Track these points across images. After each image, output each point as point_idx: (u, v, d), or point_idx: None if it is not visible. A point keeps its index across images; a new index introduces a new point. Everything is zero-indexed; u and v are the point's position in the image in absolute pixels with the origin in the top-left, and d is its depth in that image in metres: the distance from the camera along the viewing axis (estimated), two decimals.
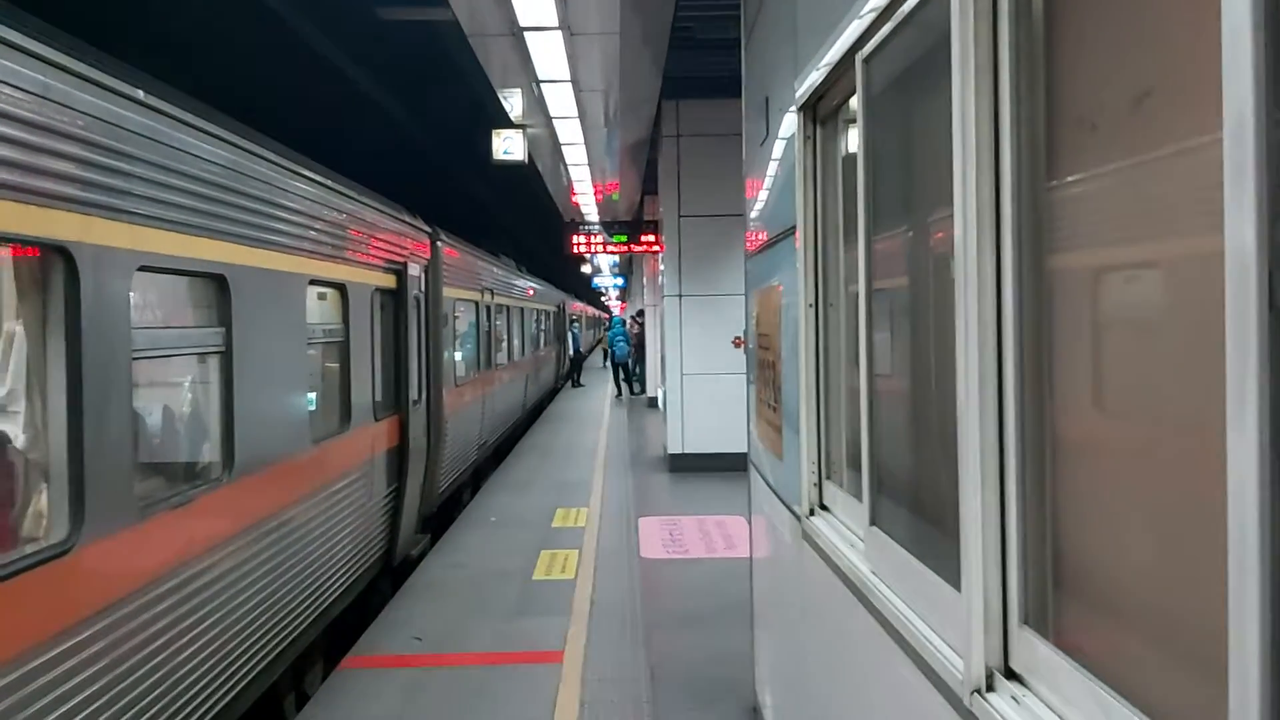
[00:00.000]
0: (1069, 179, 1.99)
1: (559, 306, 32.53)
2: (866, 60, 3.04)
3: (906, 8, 2.61)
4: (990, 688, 2.12)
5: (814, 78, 3.69)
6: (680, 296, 15.32)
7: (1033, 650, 2.02)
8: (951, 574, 2.34)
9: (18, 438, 4.01)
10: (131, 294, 4.35)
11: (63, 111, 3.90)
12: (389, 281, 9.20)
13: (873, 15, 2.83)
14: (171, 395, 5.65)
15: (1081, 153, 1.94)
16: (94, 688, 4.01)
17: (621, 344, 29.07)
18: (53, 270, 3.88)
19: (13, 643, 3.54)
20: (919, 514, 2.82)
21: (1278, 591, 1.19)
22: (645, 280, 28.20)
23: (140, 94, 4.55)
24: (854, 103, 3.37)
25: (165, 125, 4.76)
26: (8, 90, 3.58)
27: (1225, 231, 1.23)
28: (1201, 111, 1.36)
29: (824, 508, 3.98)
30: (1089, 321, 1.95)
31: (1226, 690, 1.26)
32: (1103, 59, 1.82)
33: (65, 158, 3.91)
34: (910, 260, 3.01)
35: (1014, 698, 2.02)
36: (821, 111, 3.91)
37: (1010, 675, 2.10)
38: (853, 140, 3.61)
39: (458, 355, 13.03)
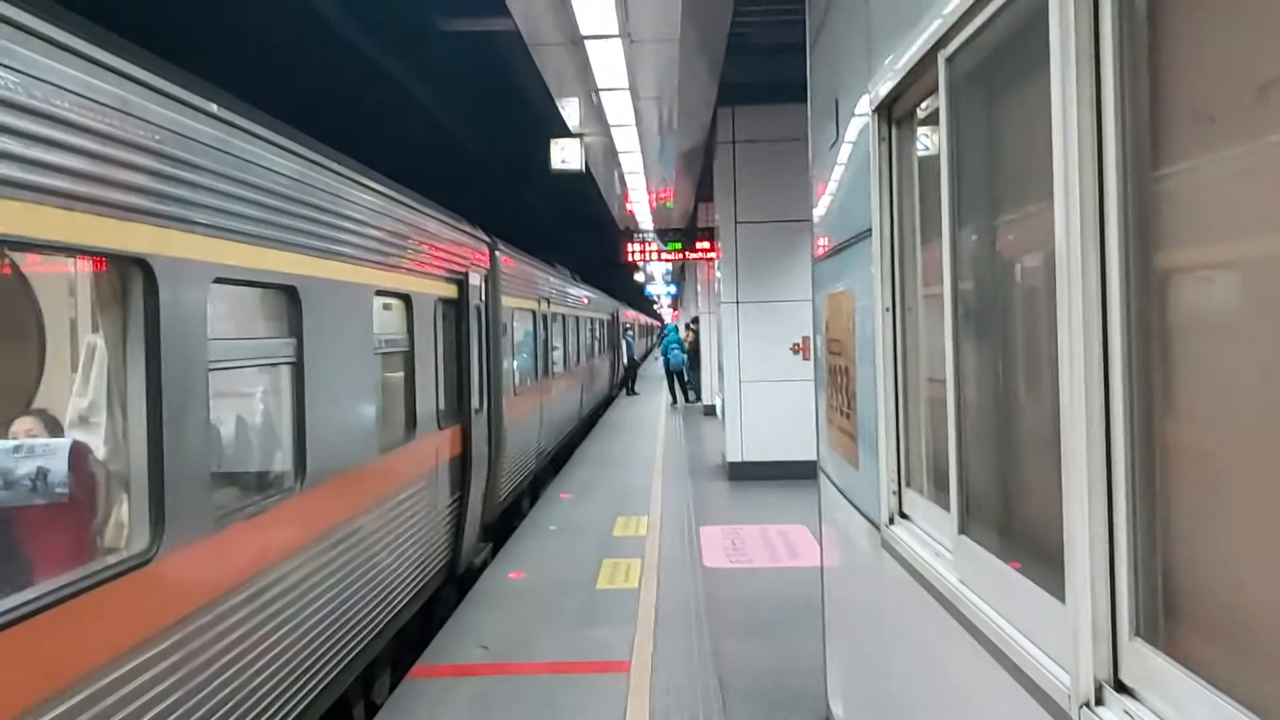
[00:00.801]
0: (1180, 171, 1.91)
1: (613, 315, 32.58)
2: (950, 59, 2.97)
3: (995, 4, 2.55)
4: (1100, 701, 2.05)
5: (891, 78, 3.63)
6: (738, 303, 15.24)
7: (1144, 662, 1.95)
8: (1053, 584, 2.27)
9: (99, 449, 4.06)
10: (208, 305, 4.39)
11: (141, 125, 3.95)
12: (450, 291, 9.25)
13: (958, 13, 2.77)
14: (245, 406, 5.71)
15: (1195, 145, 1.87)
16: (173, 698, 4.04)
17: (676, 351, 29.02)
18: (132, 282, 3.92)
19: (98, 651, 3.57)
20: (1014, 523, 2.75)
21: None
22: (700, 287, 28.14)
23: (214, 107, 4.60)
24: (933, 102, 3.31)
25: (238, 138, 4.81)
26: (90, 105, 3.63)
27: None
28: None
29: (904, 516, 3.91)
30: (1200, 322, 1.88)
31: None
32: (1219, 46, 1.75)
33: (144, 171, 3.96)
34: (998, 262, 2.94)
35: (1126, 711, 1.96)
36: (897, 113, 3.85)
37: (1120, 688, 2.03)
38: (931, 140, 3.54)
39: (516, 364, 13.07)
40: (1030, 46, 2.28)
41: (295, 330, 5.44)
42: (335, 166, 6.22)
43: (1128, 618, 2.01)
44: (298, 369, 5.47)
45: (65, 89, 3.50)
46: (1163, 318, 1.94)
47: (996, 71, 2.77)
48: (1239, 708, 1.62)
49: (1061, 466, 2.16)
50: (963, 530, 3.02)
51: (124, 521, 3.97)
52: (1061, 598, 2.19)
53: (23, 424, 4.04)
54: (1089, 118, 2.05)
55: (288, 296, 5.40)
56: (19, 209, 3.23)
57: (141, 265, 3.90)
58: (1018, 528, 2.70)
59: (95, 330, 4.07)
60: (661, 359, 30.51)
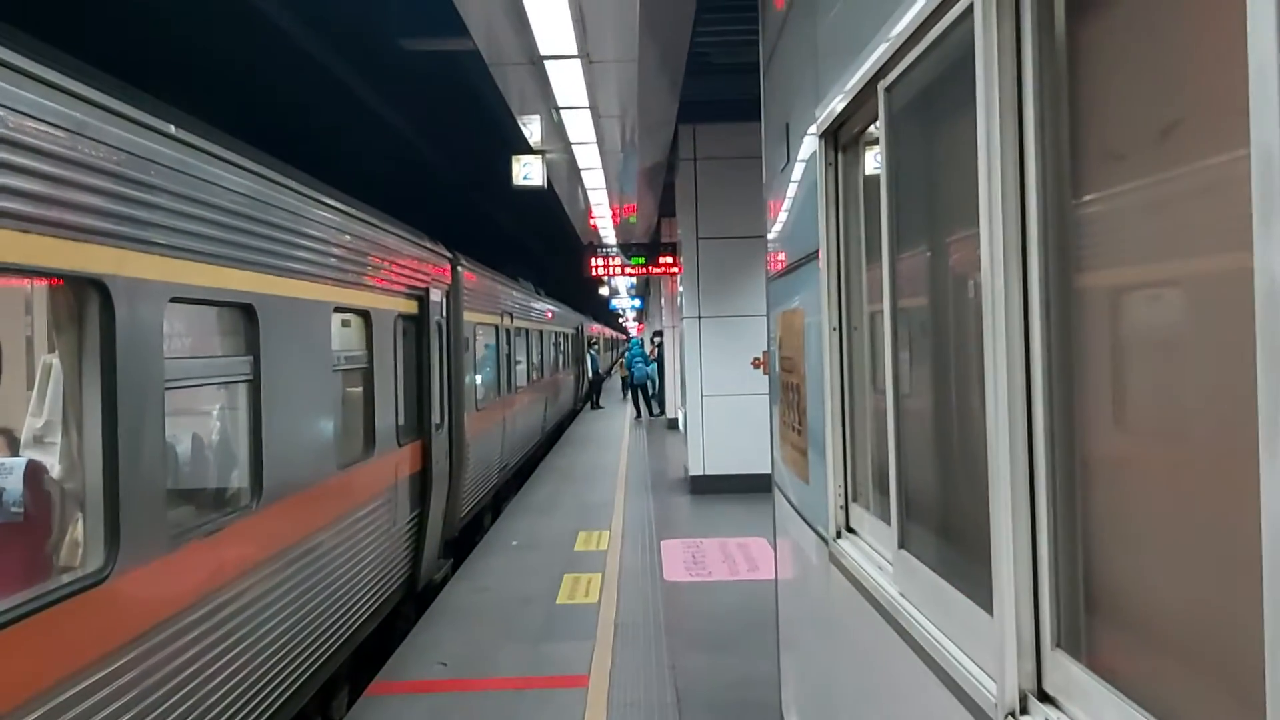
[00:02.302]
0: (1095, 200, 2.02)
1: (577, 329, 32.63)
2: (889, 89, 3.08)
3: (930, 38, 2.65)
4: (1024, 710, 2.13)
5: (835, 105, 3.73)
6: (699, 318, 15.36)
7: (1066, 672, 2.03)
8: (983, 597, 2.35)
9: (54, 468, 4.07)
10: (164, 325, 4.42)
11: (97, 147, 3.98)
12: (411, 307, 9.27)
13: (895, 46, 2.87)
14: (202, 424, 5.72)
15: (1108, 178, 1.97)
16: (129, 715, 4.05)
17: (640, 365, 29.11)
18: (88, 303, 3.94)
19: (52, 669, 3.58)
20: (948, 537, 2.84)
21: None
22: (664, 302, 28.27)
23: (171, 128, 4.63)
24: (875, 129, 3.41)
25: (194, 158, 4.84)
26: (46, 129, 3.66)
27: (1255, 260, 1.26)
28: (1229, 141, 1.39)
29: (851, 530, 4.00)
30: (1118, 341, 1.97)
31: (1264, 711, 1.28)
32: (1129, 89, 1.86)
33: (100, 193, 3.98)
34: (934, 283, 3.04)
35: None
36: (843, 138, 3.95)
37: (1044, 698, 2.11)
38: (874, 165, 3.64)
39: (478, 379, 13.09)
40: (961, 81, 2.38)
41: (253, 348, 5.46)
42: (293, 185, 6.25)
43: (1050, 629, 2.10)
44: (255, 386, 5.49)
45: (19, 111, 3.53)
46: (1080, 337, 2.04)
47: (931, 103, 2.87)
48: (1149, 717, 1.70)
49: (988, 482, 2.25)
50: (902, 544, 3.11)
51: (79, 540, 3.99)
52: (990, 610, 2.27)
53: None
54: (1012, 156, 2.15)
55: (245, 315, 5.43)
56: None
57: (97, 285, 3.93)
58: (952, 542, 2.79)
59: (51, 350, 4.09)
60: (626, 372, 30.63)
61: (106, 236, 3.98)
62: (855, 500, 3.99)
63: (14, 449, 4.20)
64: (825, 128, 3.96)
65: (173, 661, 4.42)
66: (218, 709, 4.86)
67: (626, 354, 31.81)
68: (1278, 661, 1.25)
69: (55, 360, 4.03)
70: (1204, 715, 1.60)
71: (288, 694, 5.85)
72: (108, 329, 3.96)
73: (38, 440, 4.09)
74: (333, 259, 6.92)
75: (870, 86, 3.22)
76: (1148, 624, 1.86)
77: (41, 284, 3.98)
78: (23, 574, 3.82)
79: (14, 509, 3.89)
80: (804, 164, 4.67)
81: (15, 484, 3.90)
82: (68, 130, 3.78)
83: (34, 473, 3.94)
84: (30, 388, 4.33)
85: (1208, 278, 1.62)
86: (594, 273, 20.64)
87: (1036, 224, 2.10)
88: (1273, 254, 1.22)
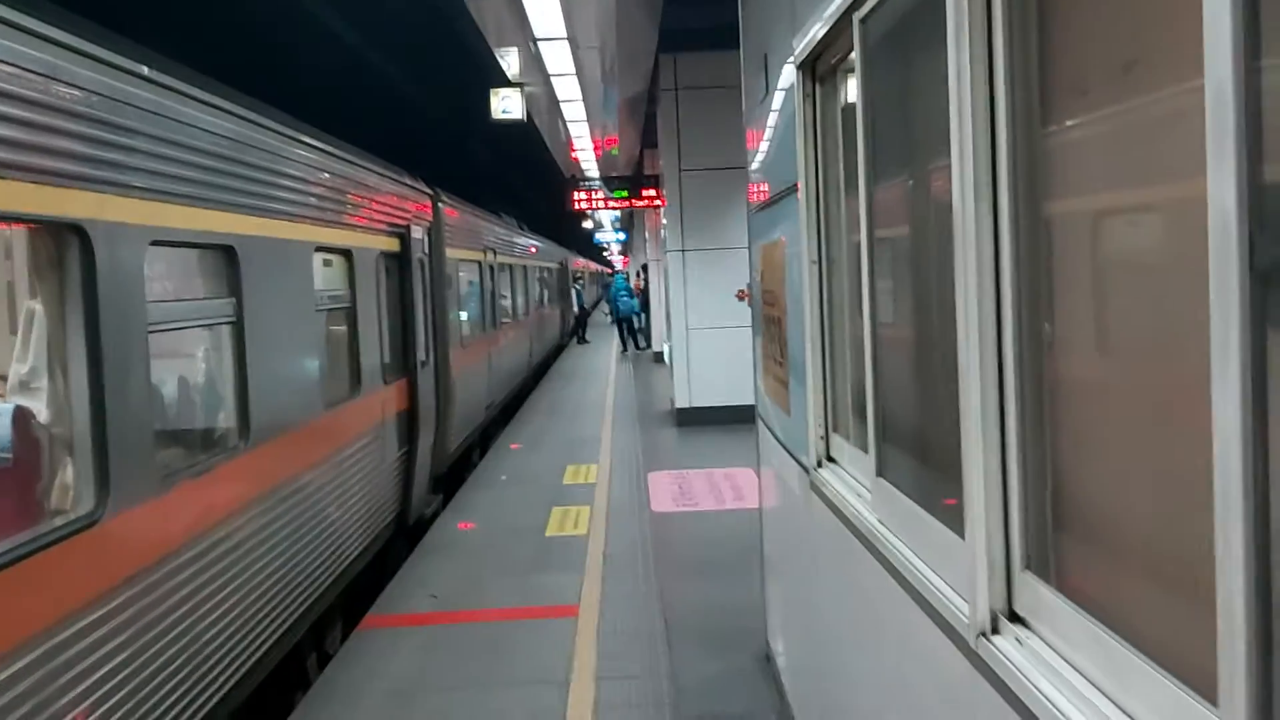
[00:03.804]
0: (1061, 130, 2.04)
1: (562, 264, 32.53)
2: (864, 20, 3.08)
3: None
4: (995, 630, 2.20)
5: (812, 36, 3.72)
6: (683, 251, 15.34)
7: (1034, 593, 2.10)
8: (955, 521, 2.42)
9: (42, 413, 4.09)
10: (145, 268, 4.42)
11: (71, 91, 3.95)
12: (393, 245, 9.25)
13: None
14: (187, 367, 5.74)
15: (1074, 110, 2.00)
16: (125, 654, 4.12)
17: (625, 299, 29.06)
18: (69, 248, 3.94)
19: (47, 612, 3.64)
20: (923, 464, 2.90)
21: (1260, 530, 1.27)
22: (648, 235, 28.18)
23: (145, 70, 4.58)
24: (851, 59, 3.41)
25: (170, 99, 4.80)
26: (17, 72, 3.63)
27: (1209, 195, 1.30)
28: (1185, 77, 1.42)
29: (831, 460, 4.07)
30: (1084, 267, 2.01)
31: (1215, 625, 1.34)
32: (1094, 26, 1.87)
33: (76, 137, 3.96)
34: (910, 213, 3.07)
35: (1018, 639, 2.11)
36: (820, 69, 3.95)
37: (1014, 618, 2.18)
38: (852, 96, 3.65)
39: (463, 316, 13.10)
40: (934, 13, 2.39)
41: (234, 290, 5.46)
42: (271, 124, 6.20)
43: (1019, 552, 2.17)
44: (238, 328, 5.50)
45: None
46: (1049, 263, 2.08)
47: (905, 35, 2.87)
48: (1115, 636, 1.76)
49: (960, 407, 2.30)
50: (880, 472, 3.18)
51: (69, 484, 4.03)
52: (962, 534, 2.34)
53: None
54: (982, 83, 2.17)
55: (225, 256, 5.42)
56: None
57: (77, 231, 3.92)
58: (927, 469, 2.85)
59: (34, 296, 4.09)
60: (609, 306, 30.56)
61: (84, 181, 3.97)
62: (835, 430, 4.06)
63: None
64: (803, 59, 3.95)
65: (166, 601, 4.49)
66: (212, 646, 4.95)
67: (610, 288, 31.70)
68: (1228, 577, 1.31)
69: (38, 306, 4.03)
70: (1163, 631, 1.67)
71: (282, 630, 5.95)
72: (89, 274, 3.96)
73: (23, 386, 4.11)
74: (313, 199, 6.90)
75: (846, 18, 3.21)
76: (1113, 546, 1.93)
77: (21, 230, 3.97)
78: (14, 518, 3.86)
79: (2, 454, 3.93)
80: (783, 94, 4.66)
81: (3, 430, 3.92)
82: (40, 74, 3.75)
83: (21, 418, 3.97)
84: (13, 334, 4.34)
85: (1167, 205, 1.65)
86: (577, 206, 20.53)
87: (1006, 154, 2.12)
88: (1222, 185, 1.26)
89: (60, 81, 3.86)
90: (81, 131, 4.00)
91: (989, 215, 2.18)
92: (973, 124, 2.18)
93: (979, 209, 2.19)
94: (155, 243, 4.55)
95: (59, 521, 3.87)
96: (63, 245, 3.93)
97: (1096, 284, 1.96)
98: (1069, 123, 2.02)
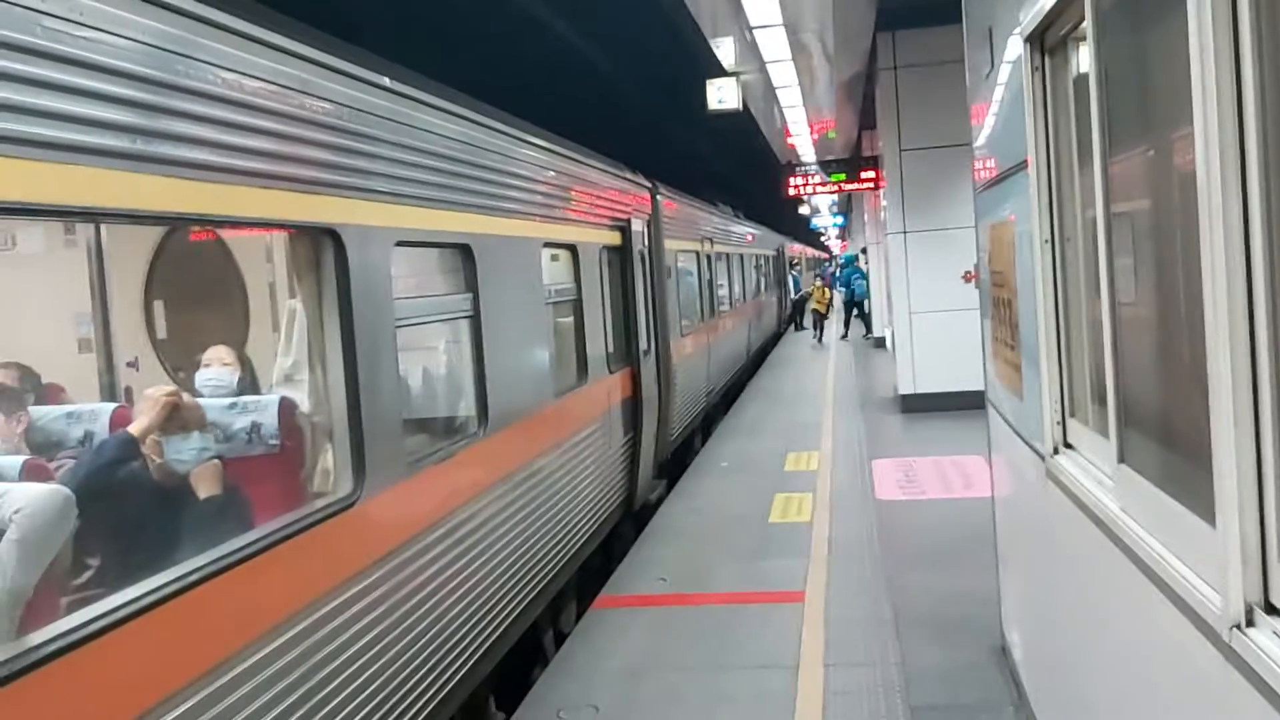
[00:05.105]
0: None
1: (778, 250, 32.36)
2: None
3: None
4: (1250, 623, 2.10)
5: (1040, 7, 3.60)
6: (905, 233, 15.00)
7: None
8: (1205, 509, 2.31)
9: (304, 403, 4.45)
10: (391, 267, 4.72)
11: (321, 103, 4.26)
12: (614, 238, 9.48)
13: None
14: (430, 359, 6.09)
15: None
16: (378, 629, 4.43)
17: (860, 281, 28.34)
18: (324, 251, 4.26)
19: (311, 586, 3.97)
20: (1170, 449, 2.77)
21: None
22: (866, 217, 27.67)
23: (386, 80, 4.89)
24: (1084, 29, 3.28)
25: (407, 107, 5.10)
26: (279, 89, 3.94)
27: None
28: None
29: (1069, 446, 3.93)
30: None
31: None
32: None
33: (327, 146, 4.27)
34: (1149, 188, 2.93)
35: (1276, 632, 2.00)
36: (1049, 40, 3.81)
37: (1271, 610, 2.07)
38: (1084, 67, 3.50)
39: (681, 305, 13.27)
40: None
41: (471, 286, 5.76)
42: (500, 126, 6.48)
43: (1277, 540, 2.05)
44: (476, 322, 5.80)
45: (254, 76, 3.81)
46: None
47: (1139, 1, 2.74)
48: None
49: (1209, 389, 2.19)
50: (1122, 459, 3.05)
51: (330, 469, 4.36)
52: (1213, 522, 2.23)
53: (216, 351, 4.47)
54: (1226, 46, 2.05)
55: (463, 254, 5.72)
56: (218, 190, 3.57)
57: (331, 234, 4.24)
58: (1174, 454, 2.72)
59: (294, 296, 4.45)
60: (844, 290, 29.89)
61: (335, 188, 4.28)
62: (1073, 416, 3.91)
63: (247, 363, 4.61)
64: (1031, 30, 3.82)
65: (416, 578, 4.80)
66: (457, 621, 5.25)
67: (843, 272, 30.69)
68: None
69: (298, 304, 4.38)
70: None
71: (521, 607, 6.23)
72: (342, 274, 4.27)
73: (288, 378, 4.48)
74: (539, 197, 7.17)
75: None
76: None
77: (281, 235, 4.31)
78: (282, 499, 4.21)
79: (271, 441, 4.29)
80: (1009, 68, 4.52)
81: (271, 419, 4.29)
82: (293, 90, 4.05)
83: (286, 408, 4.33)
84: (276, 330, 4.74)
85: None
86: (793, 192, 20.41)
87: (1255, 122, 2.00)
88: None
89: (311, 95, 4.17)
90: (331, 141, 4.30)
91: (1237, 187, 2.06)
92: (1217, 90, 2.07)
93: (1225, 181, 2.07)
94: (400, 243, 4.85)
95: (321, 503, 4.20)
96: (319, 248, 4.25)
97: None
98: None
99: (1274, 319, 2.02)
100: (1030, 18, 3.79)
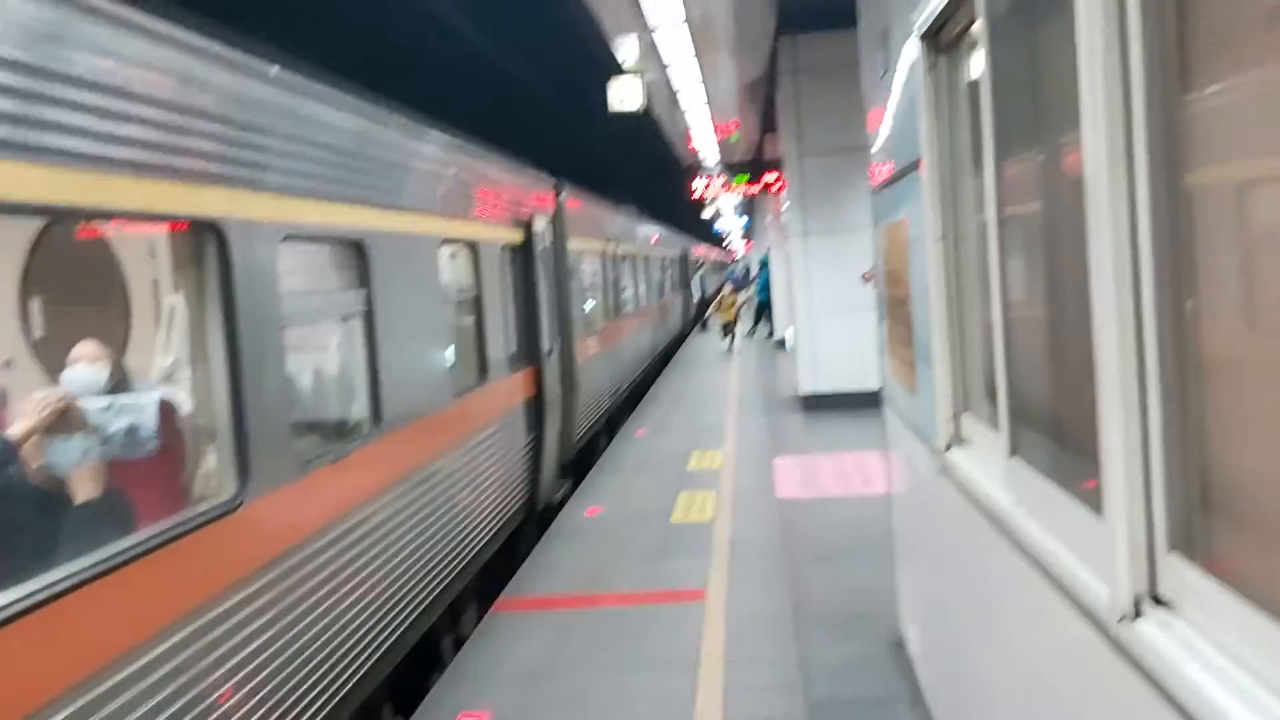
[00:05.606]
0: (1202, 94, 1.93)
1: (683, 252, 32.52)
2: None
3: None
4: (1138, 614, 2.11)
5: (933, 5, 3.62)
6: (805, 235, 15.16)
7: (1180, 576, 2.00)
8: (1094, 501, 2.33)
9: (185, 404, 4.27)
10: (279, 263, 4.57)
11: (203, 93, 4.09)
12: (516, 236, 9.38)
13: None
14: (322, 358, 5.92)
15: (1215, 69, 1.89)
16: (266, 635, 4.28)
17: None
18: (206, 245, 4.10)
19: (191, 594, 3.81)
20: (1059, 443, 2.80)
21: None
22: (769, 220, 27.95)
23: (274, 70, 4.73)
24: (976, 29, 3.30)
25: (297, 98, 4.95)
26: (156, 78, 3.78)
27: None
28: None
29: (961, 441, 3.97)
30: (1229, 237, 1.91)
31: None
32: None
33: (210, 137, 4.11)
34: (1040, 186, 2.96)
35: (1162, 624, 2.02)
36: (943, 40, 3.84)
37: (1158, 601, 2.09)
38: (976, 68, 3.54)
39: (586, 305, 13.21)
40: None
41: (364, 283, 5.61)
42: (396, 120, 6.34)
43: (1164, 532, 2.07)
44: (369, 320, 5.65)
45: (133, 62, 3.64)
46: (1190, 236, 1.97)
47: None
48: (1270, 619, 1.67)
49: (1097, 385, 2.21)
50: (1013, 452, 3.08)
51: (212, 472, 4.20)
52: (1102, 515, 2.25)
53: (84, 347, 4.24)
54: (1115, 45, 2.07)
55: (355, 251, 5.57)
56: (92, 180, 3.39)
57: (213, 228, 4.07)
58: (1063, 447, 2.75)
59: (175, 292, 4.27)
60: (758, 298, 30.20)
61: (218, 179, 4.12)
62: (966, 411, 3.95)
63: (117, 360, 4.39)
64: (925, 29, 3.85)
65: (306, 584, 4.65)
66: (351, 627, 5.11)
67: (761, 277, 30.87)
68: None
69: (178, 301, 4.21)
70: None
71: (417, 612, 6.10)
72: (225, 269, 4.11)
73: (168, 378, 4.29)
74: (439, 193, 7.04)
75: None
76: (1265, 524, 1.82)
77: (160, 229, 4.13)
78: (161, 503, 4.03)
79: (150, 443, 4.11)
80: (904, 70, 4.56)
81: (150, 420, 4.10)
82: (173, 77, 3.89)
83: (166, 408, 4.15)
84: (158, 327, 4.54)
85: None
86: (696, 194, 20.50)
87: (1142, 122, 2.02)
88: None
89: (193, 84, 4.00)
90: (215, 131, 4.14)
91: (1124, 185, 2.08)
92: (1104, 90, 2.08)
93: (1113, 179, 2.09)
94: (288, 238, 4.70)
95: (203, 507, 4.03)
96: (200, 242, 4.09)
97: (1242, 254, 1.86)
98: (1209, 88, 1.91)
99: (1159, 312, 2.04)
100: (925, 17, 3.82)
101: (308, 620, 4.65)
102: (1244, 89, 1.78)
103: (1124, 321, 2.10)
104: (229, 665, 3.96)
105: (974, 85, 3.56)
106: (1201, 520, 2.00)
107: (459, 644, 7.09)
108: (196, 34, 4.11)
